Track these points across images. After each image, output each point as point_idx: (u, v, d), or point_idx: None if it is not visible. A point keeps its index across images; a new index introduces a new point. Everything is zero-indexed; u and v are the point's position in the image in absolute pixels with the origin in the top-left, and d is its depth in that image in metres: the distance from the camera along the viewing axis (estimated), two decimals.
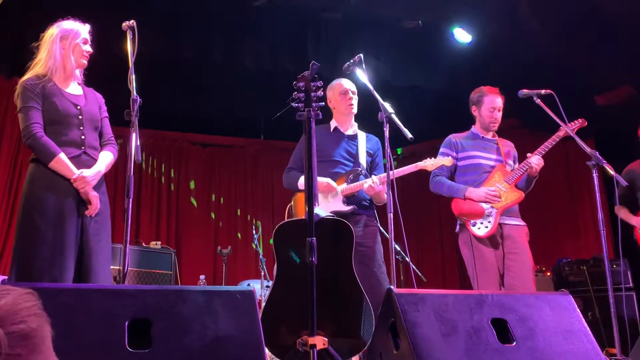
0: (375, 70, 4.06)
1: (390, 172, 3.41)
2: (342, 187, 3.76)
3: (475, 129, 4.20)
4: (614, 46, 5.69)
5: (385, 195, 3.72)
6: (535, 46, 6.04)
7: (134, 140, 2.81)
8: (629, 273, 5.47)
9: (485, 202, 3.86)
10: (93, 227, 3.08)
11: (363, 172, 3.82)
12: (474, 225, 3.84)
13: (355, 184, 3.74)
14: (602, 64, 6.02)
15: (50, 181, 3.02)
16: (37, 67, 3.21)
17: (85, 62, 3.29)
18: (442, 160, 3.79)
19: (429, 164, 3.78)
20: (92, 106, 3.27)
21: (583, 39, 5.74)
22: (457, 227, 4.04)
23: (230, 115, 7.91)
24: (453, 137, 4.18)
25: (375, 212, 3.90)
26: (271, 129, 8.40)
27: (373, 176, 3.71)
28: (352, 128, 4.01)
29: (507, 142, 4.23)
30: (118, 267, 4.98)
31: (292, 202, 3.93)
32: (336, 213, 3.69)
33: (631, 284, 5.45)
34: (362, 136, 3.99)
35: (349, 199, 3.76)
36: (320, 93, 2.77)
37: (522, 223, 3.98)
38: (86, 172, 3.06)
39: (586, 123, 3.98)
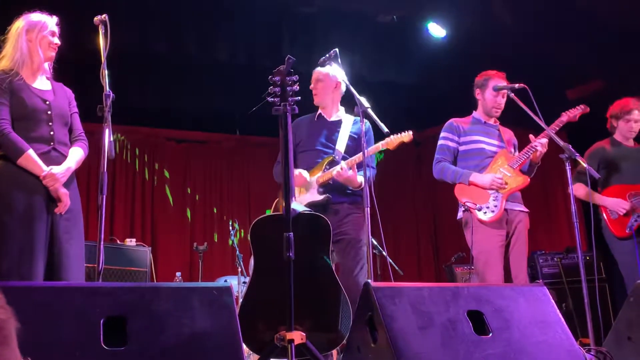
0: (350, 64, 4.07)
1: (359, 156, 3.39)
2: (318, 176, 3.74)
3: (478, 113, 4.18)
4: (585, 40, 5.77)
5: (359, 179, 3.68)
6: (509, 41, 6.09)
7: (107, 136, 2.77)
8: (601, 264, 5.56)
9: (491, 189, 3.85)
10: (63, 224, 3.02)
11: (337, 158, 3.76)
12: (479, 210, 3.82)
13: (328, 171, 3.72)
14: (574, 58, 6.10)
15: (18, 178, 2.96)
16: (4, 61, 3.14)
17: (53, 54, 3.22)
18: (402, 137, 3.66)
19: (389, 140, 3.67)
20: (61, 101, 3.21)
21: (555, 33, 5.81)
22: (460, 213, 4.00)
23: (205, 110, 7.85)
24: (455, 122, 4.14)
25: (361, 198, 3.83)
26: (247, 124, 8.36)
27: (342, 161, 3.68)
28: (337, 113, 3.97)
29: (508, 130, 4.21)
30: (92, 265, 4.91)
31: (279, 197, 3.91)
32: (311, 204, 3.67)
33: (604, 275, 5.54)
34: (347, 120, 3.92)
35: (325, 187, 3.73)
36: (296, 87, 2.76)
37: (525, 209, 3.98)
38: (55, 169, 3.01)
39: (588, 109, 4.00)
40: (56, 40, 3.22)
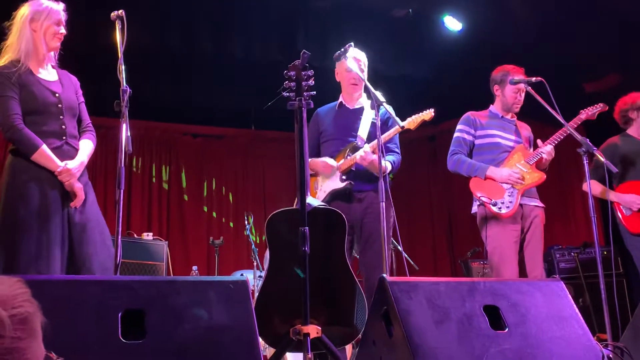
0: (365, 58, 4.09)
1: (383, 138, 3.38)
2: (340, 163, 3.73)
3: (495, 108, 4.15)
4: (600, 35, 5.71)
5: (383, 164, 3.66)
6: (525, 34, 6.04)
7: (125, 131, 2.75)
8: (619, 259, 5.51)
9: (507, 183, 3.83)
10: (79, 217, 3.00)
11: (361, 144, 3.74)
12: (494, 205, 3.80)
13: (350, 157, 3.70)
14: (590, 52, 6.04)
15: (32, 173, 2.94)
16: (9, 51, 3.07)
17: (57, 44, 3.13)
18: (423, 115, 3.67)
19: (410, 120, 3.67)
20: (69, 92, 3.16)
21: (570, 27, 5.75)
22: (475, 207, 3.99)
23: (221, 105, 7.88)
24: (471, 115, 4.12)
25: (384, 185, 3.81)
26: (262, 119, 8.37)
27: (366, 145, 3.66)
28: (359, 100, 3.94)
29: (525, 125, 4.19)
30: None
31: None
32: (334, 191, 3.67)
33: (621, 270, 5.50)
34: (369, 107, 3.89)
35: (347, 174, 3.71)
36: (311, 82, 2.76)
37: (541, 204, 3.97)
38: (70, 164, 2.98)
39: (607, 108, 3.97)
40: (62, 30, 3.12)
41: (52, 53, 3.18)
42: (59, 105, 3.07)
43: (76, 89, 3.25)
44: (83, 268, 2.94)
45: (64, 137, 3.06)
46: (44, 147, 2.95)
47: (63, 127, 3.07)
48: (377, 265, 3.52)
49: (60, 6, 3.16)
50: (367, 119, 3.84)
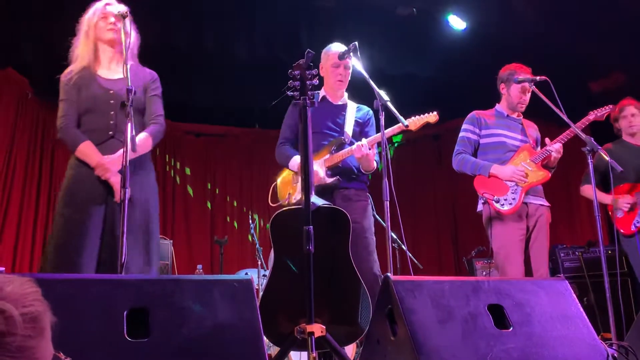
0: (369, 58, 4.04)
1: (378, 135, 3.38)
2: (325, 158, 3.71)
3: (501, 107, 4.15)
4: (606, 33, 5.70)
5: (375, 164, 3.66)
6: (530, 33, 6.03)
7: (130, 130, 2.75)
8: (624, 259, 5.50)
9: (511, 180, 3.84)
10: (119, 214, 2.95)
11: (347, 141, 3.73)
12: (497, 202, 3.81)
13: (338, 152, 3.68)
14: (596, 50, 6.03)
15: (80, 169, 3.01)
16: (73, 59, 3.20)
17: (112, 36, 3.16)
18: (427, 117, 3.66)
19: (413, 120, 3.64)
20: None
21: (577, 26, 5.74)
22: (480, 205, 3.99)
23: (225, 104, 7.89)
24: (476, 114, 4.12)
25: (366, 186, 3.81)
26: (266, 118, 8.38)
27: (363, 139, 3.63)
28: (342, 98, 3.93)
29: (532, 123, 4.19)
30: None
31: (277, 182, 3.91)
32: (319, 186, 3.63)
33: (626, 270, 5.49)
34: (352, 106, 3.90)
35: (332, 170, 3.69)
36: (315, 81, 2.76)
37: (546, 203, 3.97)
38: (106, 159, 3.00)
39: (617, 110, 3.99)
40: (110, 20, 3.16)
41: (125, 49, 3.08)
42: (111, 102, 3.10)
43: (145, 84, 3.27)
44: (111, 271, 2.91)
45: (111, 132, 3.08)
46: (85, 143, 3.01)
47: (112, 122, 3.09)
48: (365, 259, 3.51)
49: (104, 1, 3.22)
50: (351, 116, 3.85)
